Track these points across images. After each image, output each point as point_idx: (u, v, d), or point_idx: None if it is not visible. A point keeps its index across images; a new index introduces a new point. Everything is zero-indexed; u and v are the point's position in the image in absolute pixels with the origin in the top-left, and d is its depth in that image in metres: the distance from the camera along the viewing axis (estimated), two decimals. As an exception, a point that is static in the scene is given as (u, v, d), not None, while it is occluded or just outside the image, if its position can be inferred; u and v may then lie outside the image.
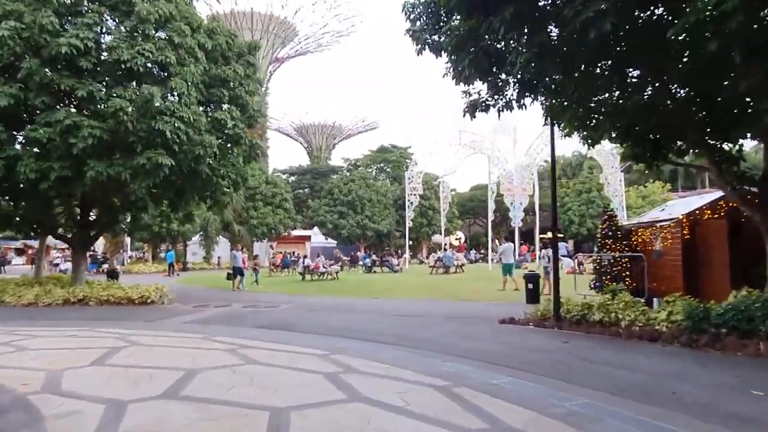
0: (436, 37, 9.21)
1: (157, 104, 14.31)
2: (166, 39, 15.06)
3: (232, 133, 17.20)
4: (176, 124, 14.68)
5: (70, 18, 14.05)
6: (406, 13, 9.46)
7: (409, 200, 42.08)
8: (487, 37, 8.40)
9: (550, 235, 20.52)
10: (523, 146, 41.01)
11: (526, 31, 8.11)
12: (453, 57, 9.00)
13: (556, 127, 10.94)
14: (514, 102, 9.40)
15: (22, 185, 14.86)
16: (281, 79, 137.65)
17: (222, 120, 16.72)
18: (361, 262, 40.84)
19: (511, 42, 8.44)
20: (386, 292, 20.39)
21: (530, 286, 15.21)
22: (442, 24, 9.07)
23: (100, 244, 44.19)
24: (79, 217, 18.04)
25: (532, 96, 9.39)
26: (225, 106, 17.50)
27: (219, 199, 19.51)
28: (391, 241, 60.70)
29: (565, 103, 9.54)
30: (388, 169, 74.55)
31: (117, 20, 14.75)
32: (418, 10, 9.25)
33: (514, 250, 27.53)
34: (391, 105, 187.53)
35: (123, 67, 14.19)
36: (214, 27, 17.92)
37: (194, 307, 15.94)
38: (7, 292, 16.64)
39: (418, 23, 9.39)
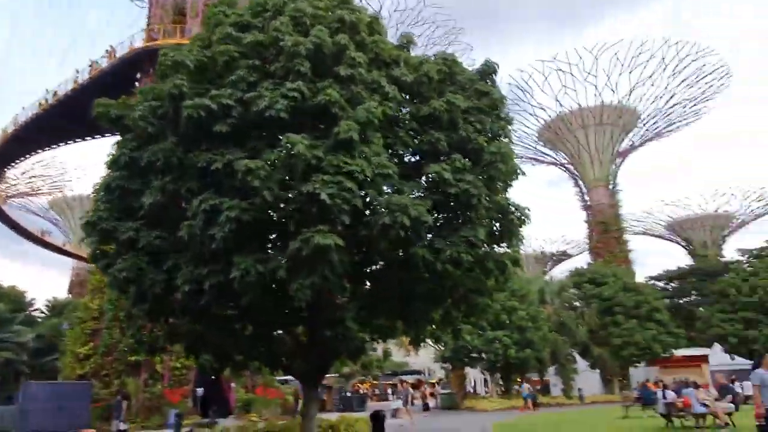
0: None
1: (306, 159, 9.52)
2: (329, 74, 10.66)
3: (456, 192, 10.90)
4: (343, 184, 9.51)
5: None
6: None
7: None
8: None
9: None
10: None
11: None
12: None
13: None
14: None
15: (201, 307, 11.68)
16: (641, 173, 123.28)
17: (436, 175, 10.77)
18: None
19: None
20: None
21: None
22: None
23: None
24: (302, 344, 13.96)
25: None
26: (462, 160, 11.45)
27: (475, 303, 12.93)
28: None
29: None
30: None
31: (263, 69, 11.12)
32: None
33: None
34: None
35: (264, 120, 10.19)
36: (426, 59, 12.87)
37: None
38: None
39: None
